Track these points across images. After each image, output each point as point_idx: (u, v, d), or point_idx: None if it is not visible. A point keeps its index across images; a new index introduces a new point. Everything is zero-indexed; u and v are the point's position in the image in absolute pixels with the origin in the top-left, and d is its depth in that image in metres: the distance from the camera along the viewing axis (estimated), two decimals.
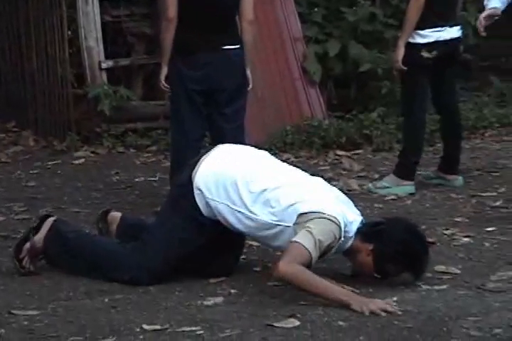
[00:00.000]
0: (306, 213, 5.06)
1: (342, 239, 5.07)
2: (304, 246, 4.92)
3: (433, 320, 4.76)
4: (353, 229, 5.16)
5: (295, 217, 5.07)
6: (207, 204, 5.25)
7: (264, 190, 5.19)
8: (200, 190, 5.24)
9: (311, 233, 4.94)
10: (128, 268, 5.37)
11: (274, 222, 5.15)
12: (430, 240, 5.58)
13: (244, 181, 5.22)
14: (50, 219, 5.67)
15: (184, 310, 5.00)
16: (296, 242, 4.94)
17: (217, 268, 5.51)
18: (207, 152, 5.50)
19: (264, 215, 5.16)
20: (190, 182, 5.30)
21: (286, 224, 5.10)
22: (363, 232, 5.18)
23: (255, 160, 5.50)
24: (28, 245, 5.55)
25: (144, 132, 9.24)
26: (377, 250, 5.10)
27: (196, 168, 5.32)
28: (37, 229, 5.61)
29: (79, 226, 6.11)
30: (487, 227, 6.47)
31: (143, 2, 9.64)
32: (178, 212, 5.37)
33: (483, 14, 6.06)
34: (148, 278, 5.33)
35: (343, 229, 5.07)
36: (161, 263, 5.34)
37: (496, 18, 6.19)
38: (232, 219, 5.25)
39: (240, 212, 5.20)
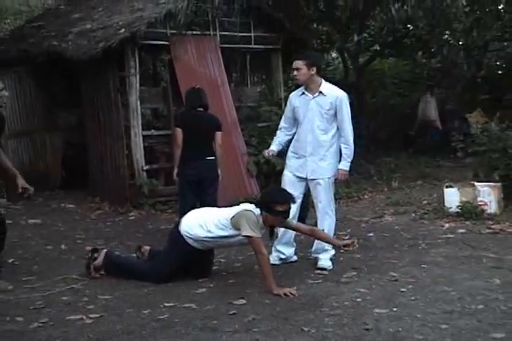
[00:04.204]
0: (232, 217, 5.16)
1: (256, 217, 5.12)
2: (250, 236, 5.03)
3: (314, 298, 4.78)
4: (257, 211, 5.16)
5: (230, 222, 5.15)
6: (193, 240, 5.27)
7: (212, 221, 5.25)
8: (187, 236, 5.28)
9: (244, 224, 5.04)
10: (148, 275, 5.35)
11: (224, 230, 5.20)
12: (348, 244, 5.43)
13: (202, 223, 5.28)
14: (104, 251, 5.67)
15: (185, 295, 4.99)
16: (246, 236, 5.04)
17: (200, 273, 5.49)
18: (183, 214, 5.64)
19: (220, 231, 5.22)
20: (179, 233, 5.33)
21: (230, 227, 5.17)
22: (261, 210, 5.17)
23: (204, 211, 5.56)
24: (92, 266, 5.53)
25: (165, 202, 9.21)
26: (266, 210, 5.13)
27: (180, 225, 5.38)
28: (96, 257, 5.58)
29: (120, 253, 6.04)
30: (341, 250, 6.45)
31: (164, 136, 9.64)
32: (176, 246, 5.37)
33: (265, 151, 6.05)
34: (158, 281, 5.29)
35: (254, 211, 5.13)
36: (165, 272, 5.32)
37: (271, 153, 6.00)
38: (207, 240, 5.27)
39: (208, 236, 5.24)
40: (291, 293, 4.85)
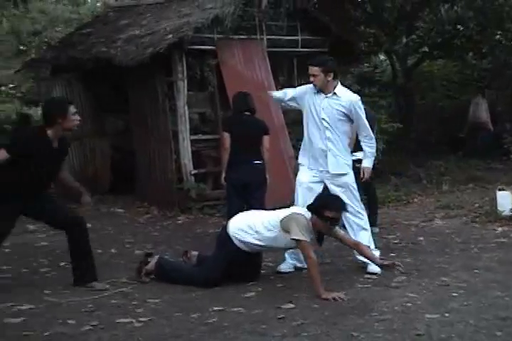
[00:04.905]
0: (282, 219, 5.16)
1: (307, 221, 5.11)
2: (300, 239, 5.03)
3: (363, 303, 4.76)
4: (308, 214, 5.15)
5: (279, 224, 5.15)
6: (240, 241, 5.28)
7: (261, 222, 5.27)
8: (234, 236, 5.29)
9: (294, 227, 5.05)
10: (197, 280, 5.34)
11: (272, 232, 5.21)
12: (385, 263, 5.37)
13: (251, 223, 5.30)
14: (156, 256, 5.69)
15: (234, 299, 5.01)
16: (296, 239, 5.04)
17: (248, 277, 5.50)
18: (230, 218, 5.62)
19: (267, 232, 5.23)
20: (227, 234, 5.35)
21: (278, 229, 5.17)
22: (312, 214, 5.17)
23: (253, 213, 5.60)
24: (144, 270, 5.56)
25: (212, 206, 9.23)
26: (316, 214, 5.12)
27: (228, 226, 5.39)
28: (147, 262, 5.61)
29: (172, 259, 6.02)
30: (391, 253, 6.42)
31: (211, 140, 9.69)
32: (224, 249, 5.38)
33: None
34: (206, 285, 5.29)
35: (304, 215, 5.13)
36: (214, 277, 5.32)
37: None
38: (255, 241, 5.27)
39: (256, 237, 5.26)
40: (339, 298, 4.83)
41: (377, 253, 5.84)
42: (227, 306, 4.77)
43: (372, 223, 7.56)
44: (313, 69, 5.71)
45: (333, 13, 11.58)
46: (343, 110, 5.74)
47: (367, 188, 7.70)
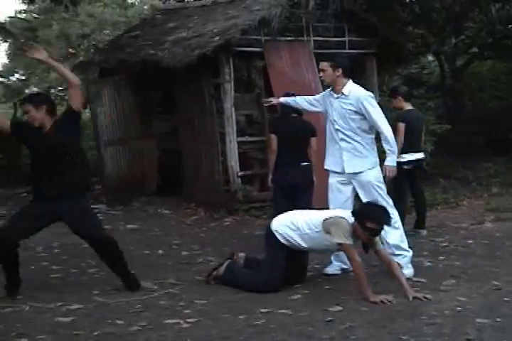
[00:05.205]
0: (325, 220, 5.16)
1: (349, 225, 5.08)
2: (344, 243, 5.02)
3: (412, 306, 4.74)
4: (351, 219, 5.11)
5: (321, 224, 5.15)
6: (282, 236, 5.30)
7: (304, 220, 5.27)
8: (276, 231, 5.31)
9: (335, 231, 5.05)
10: (261, 285, 5.30)
11: (313, 231, 5.20)
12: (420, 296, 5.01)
13: (294, 220, 5.31)
14: (227, 262, 5.67)
15: (281, 301, 5.00)
16: (340, 244, 5.04)
17: (295, 279, 5.47)
18: (274, 216, 5.66)
19: (308, 230, 5.21)
20: (271, 230, 5.36)
21: (319, 229, 5.16)
22: (355, 219, 5.11)
23: (298, 211, 5.58)
24: (214, 274, 5.58)
25: (259, 208, 9.23)
26: (358, 221, 5.07)
27: (272, 223, 5.41)
28: (220, 266, 5.62)
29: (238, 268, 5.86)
30: (440, 257, 6.35)
31: (258, 142, 9.70)
32: (271, 247, 5.38)
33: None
34: (265, 288, 5.26)
35: (348, 219, 5.10)
36: (272, 279, 5.29)
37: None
38: (296, 238, 5.26)
39: (297, 234, 5.25)
40: (388, 300, 4.78)
41: (409, 254, 5.77)
42: (274, 308, 4.77)
43: (420, 226, 7.51)
44: (323, 65, 5.73)
45: (381, 14, 11.49)
46: (352, 108, 5.64)
47: (414, 191, 7.65)
